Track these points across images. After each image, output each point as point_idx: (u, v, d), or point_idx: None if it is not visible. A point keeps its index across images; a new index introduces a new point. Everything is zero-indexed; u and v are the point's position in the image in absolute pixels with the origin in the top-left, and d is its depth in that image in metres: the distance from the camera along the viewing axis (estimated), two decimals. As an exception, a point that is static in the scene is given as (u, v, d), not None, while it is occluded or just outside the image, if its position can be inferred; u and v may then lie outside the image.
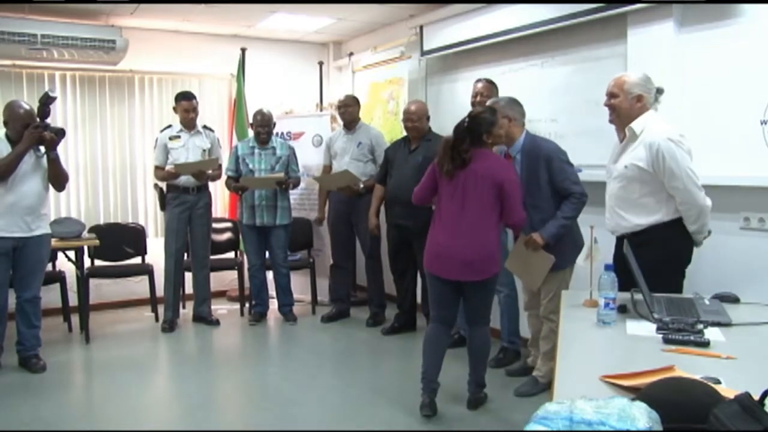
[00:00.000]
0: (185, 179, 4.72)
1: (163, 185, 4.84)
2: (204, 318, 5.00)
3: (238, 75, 5.79)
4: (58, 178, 3.91)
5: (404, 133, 4.55)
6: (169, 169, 4.70)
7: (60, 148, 3.88)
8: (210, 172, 4.79)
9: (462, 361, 4.05)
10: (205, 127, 4.95)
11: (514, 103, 3.38)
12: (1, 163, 3.63)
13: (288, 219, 4.97)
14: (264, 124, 4.86)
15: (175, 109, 4.85)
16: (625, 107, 2.78)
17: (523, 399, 3.42)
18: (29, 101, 3.99)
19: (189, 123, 4.80)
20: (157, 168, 4.82)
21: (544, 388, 3.42)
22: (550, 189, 3.26)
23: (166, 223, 4.86)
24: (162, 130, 4.90)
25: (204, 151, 4.81)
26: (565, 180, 3.23)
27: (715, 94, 3.12)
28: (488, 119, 3.11)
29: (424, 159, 4.23)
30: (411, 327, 4.74)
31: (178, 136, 4.79)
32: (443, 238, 3.11)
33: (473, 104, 4.00)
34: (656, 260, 2.58)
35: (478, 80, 4.08)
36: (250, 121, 5.55)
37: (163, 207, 4.88)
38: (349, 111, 4.97)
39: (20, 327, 3.88)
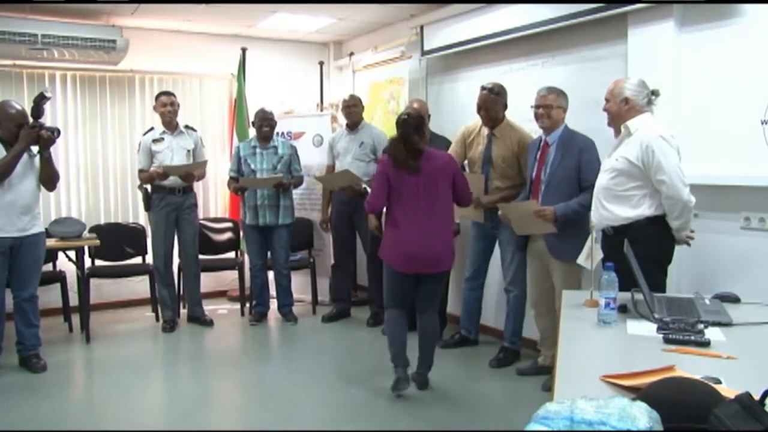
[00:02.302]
0: (172, 180, 4.70)
1: (148, 186, 4.82)
2: (198, 318, 5.00)
3: (238, 75, 5.79)
4: (50, 177, 3.90)
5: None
6: (156, 169, 4.66)
7: (60, 148, 3.89)
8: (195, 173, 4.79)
9: (460, 362, 4.07)
10: (187, 126, 4.93)
11: (563, 94, 3.49)
12: (1, 164, 3.63)
13: (291, 218, 4.97)
14: (266, 119, 4.86)
15: (155, 108, 4.84)
16: (614, 110, 2.95)
17: (524, 398, 3.42)
18: (29, 101, 3.99)
19: (168, 119, 4.76)
20: (141, 171, 4.80)
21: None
22: (576, 177, 3.38)
23: (153, 225, 4.84)
24: (144, 133, 4.88)
25: (188, 151, 4.80)
26: (591, 172, 3.30)
27: (715, 93, 3.12)
28: (420, 115, 3.44)
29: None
30: (411, 327, 4.69)
31: (162, 138, 4.76)
32: (413, 238, 3.30)
33: (480, 113, 3.90)
34: (638, 258, 2.60)
35: (483, 88, 3.88)
36: (251, 120, 5.54)
37: (147, 208, 4.84)
38: (356, 111, 4.98)
39: (19, 326, 3.88)
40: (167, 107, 4.74)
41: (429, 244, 3.31)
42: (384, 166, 3.38)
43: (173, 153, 4.74)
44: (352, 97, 5.09)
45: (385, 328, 3.57)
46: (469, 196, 3.50)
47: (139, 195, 4.89)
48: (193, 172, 4.73)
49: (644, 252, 2.71)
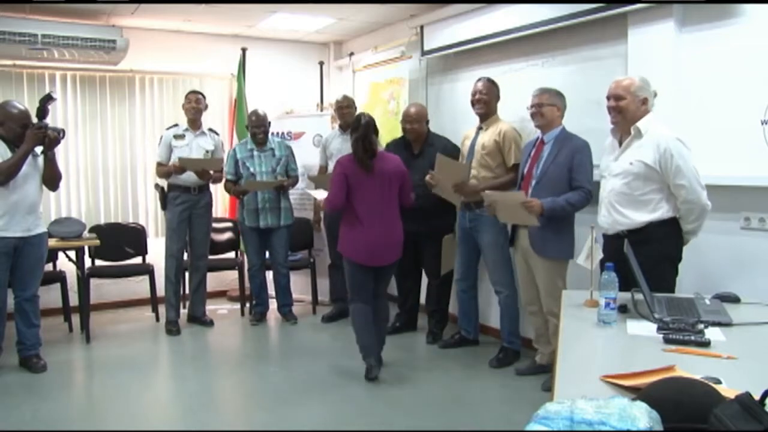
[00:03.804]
0: (187, 177, 4.70)
1: (165, 184, 4.83)
2: (198, 318, 5.00)
3: (238, 75, 5.79)
4: (53, 177, 3.91)
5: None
6: (174, 163, 4.66)
7: (60, 148, 3.89)
8: (212, 173, 4.79)
9: (460, 362, 4.06)
10: (210, 129, 4.95)
11: (559, 94, 3.51)
12: (8, 164, 3.63)
13: (290, 219, 4.98)
14: (259, 124, 4.84)
15: (183, 106, 4.85)
16: (632, 109, 2.85)
17: (524, 398, 3.42)
18: (30, 101, 4.00)
19: (192, 117, 4.78)
20: (159, 165, 4.81)
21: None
22: (567, 176, 3.39)
23: (167, 223, 4.83)
24: (168, 128, 4.89)
25: (207, 152, 4.80)
26: (582, 174, 3.35)
27: (715, 93, 3.12)
28: (374, 119, 3.71)
29: (431, 164, 4.22)
30: (412, 327, 4.73)
31: (183, 136, 4.77)
32: (373, 233, 3.60)
33: (472, 103, 4.02)
34: (652, 259, 2.59)
35: (479, 79, 4.06)
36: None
37: (164, 206, 4.85)
38: (348, 112, 4.96)
39: (20, 326, 3.88)
40: (191, 104, 4.77)
41: (388, 238, 3.65)
42: (342, 167, 3.61)
43: (192, 151, 4.74)
44: (345, 98, 5.09)
45: (352, 323, 3.76)
46: (409, 198, 3.77)
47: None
48: (208, 170, 4.73)
49: (659, 252, 2.72)
